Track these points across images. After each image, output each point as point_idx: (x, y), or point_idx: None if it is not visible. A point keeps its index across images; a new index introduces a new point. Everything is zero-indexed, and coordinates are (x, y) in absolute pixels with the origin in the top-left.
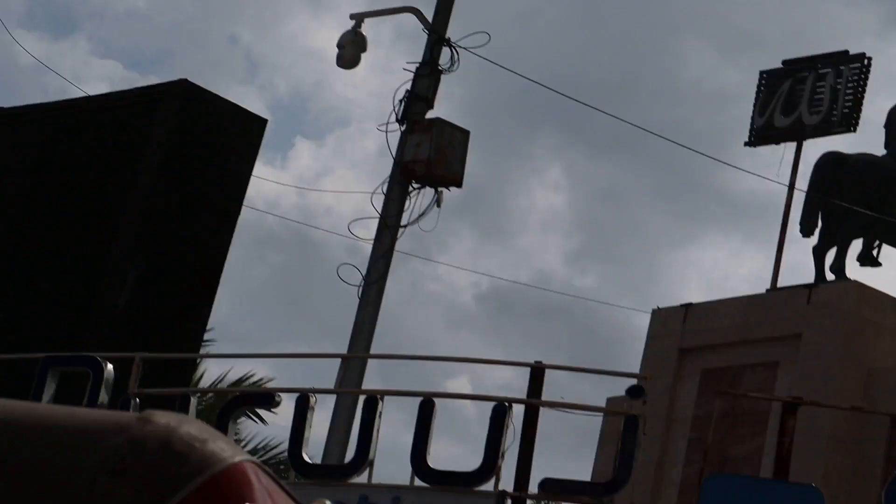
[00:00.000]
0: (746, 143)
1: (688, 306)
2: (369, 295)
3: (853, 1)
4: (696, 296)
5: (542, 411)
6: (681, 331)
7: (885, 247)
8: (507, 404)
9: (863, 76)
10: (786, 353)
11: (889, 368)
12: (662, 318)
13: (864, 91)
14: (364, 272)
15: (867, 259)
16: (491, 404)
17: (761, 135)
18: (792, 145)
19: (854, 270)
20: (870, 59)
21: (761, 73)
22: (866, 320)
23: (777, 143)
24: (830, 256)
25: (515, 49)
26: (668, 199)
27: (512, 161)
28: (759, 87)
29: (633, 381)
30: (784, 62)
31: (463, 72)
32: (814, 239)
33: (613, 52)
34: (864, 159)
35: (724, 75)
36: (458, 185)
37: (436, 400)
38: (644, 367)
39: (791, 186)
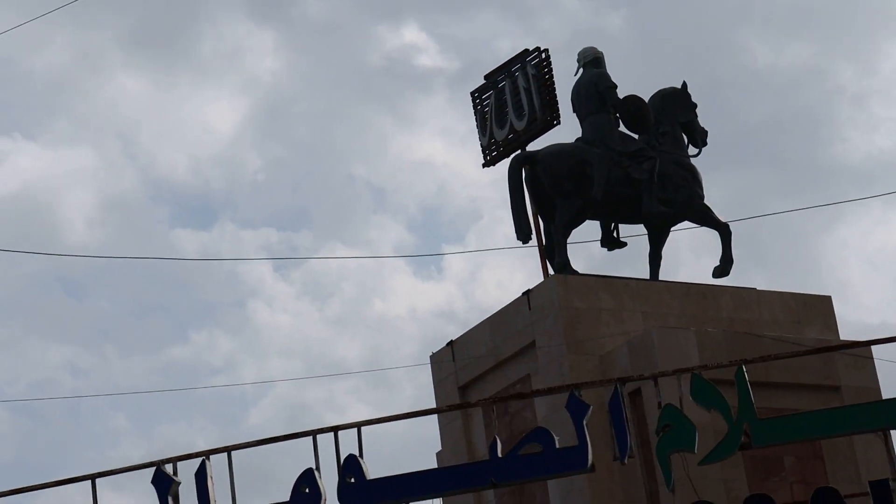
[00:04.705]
0: (484, 165)
1: (452, 343)
2: None
3: None
4: None
5: None
6: (454, 369)
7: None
8: None
9: (545, 68)
10: (530, 364)
11: (616, 350)
12: (438, 362)
13: (552, 81)
14: None
15: (610, 242)
16: None
17: (490, 153)
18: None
19: (602, 257)
20: (546, 50)
21: (471, 93)
22: (580, 310)
23: (508, 156)
24: None
25: None
26: None
27: None
28: (474, 108)
29: None
30: (485, 76)
31: None
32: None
33: None
34: (551, 151)
35: None
36: None
37: None
38: (440, 417)
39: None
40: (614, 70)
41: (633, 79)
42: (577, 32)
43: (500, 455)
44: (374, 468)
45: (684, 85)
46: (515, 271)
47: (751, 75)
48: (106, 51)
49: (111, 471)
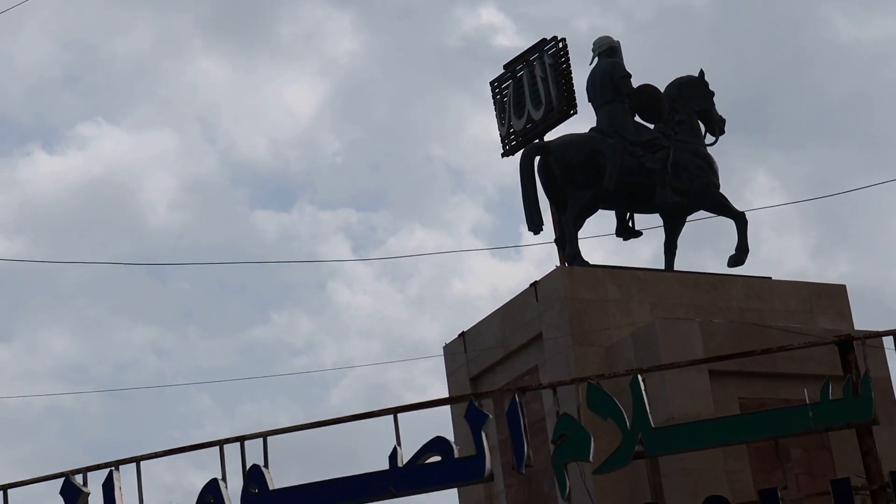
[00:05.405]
0: (502, 155)
1: (463, 334)
2: None
3: None
4: None
5: None
6: (465, 360)
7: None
8: None
9: (562, 57)
10: (538, 355)
11: (622, 341)
12: (451, 353)
13: (568, 71)
14: None
15: (625, 231)
16: None
17: (510, 142)
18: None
19: (617, 246)
20: (563, 39)
21: (491, 83)
22: (586, 301)
23: (526, 145)
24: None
25: None
26: None
27: None
28: (493, 97)
29: None
30: (504, 66)
31: None
32: (549, 235)
33: None
34: (564, 141)
35: None
36: None
37: None
38: (452, 408)
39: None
40: (698, 46)
41: (717, 55)
42: (660, 10)
43: (399, 465)
44: None
45: (701, 73)
46: (593, 251)
47: (834, 50)
48: (186, 35)
49: (19, 482)
